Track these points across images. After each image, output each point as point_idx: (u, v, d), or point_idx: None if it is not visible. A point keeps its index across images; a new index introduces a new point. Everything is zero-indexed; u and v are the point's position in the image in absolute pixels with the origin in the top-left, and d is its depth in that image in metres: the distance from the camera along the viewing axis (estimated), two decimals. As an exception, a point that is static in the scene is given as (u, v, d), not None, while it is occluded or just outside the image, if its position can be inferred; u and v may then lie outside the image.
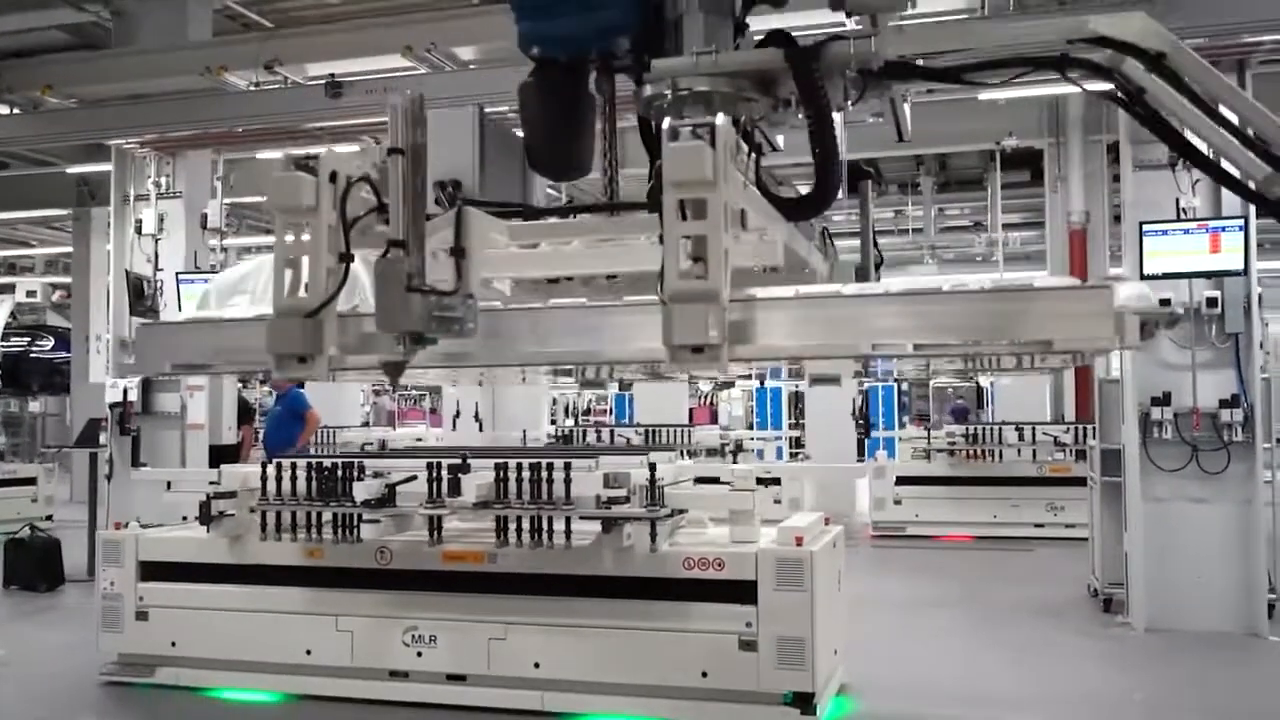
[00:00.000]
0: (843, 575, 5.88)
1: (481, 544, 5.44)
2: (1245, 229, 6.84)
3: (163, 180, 9.09)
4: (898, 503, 12.25)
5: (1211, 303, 7.12)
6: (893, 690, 6.00)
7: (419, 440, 15.02)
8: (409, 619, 5.59)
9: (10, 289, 15.69)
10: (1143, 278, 7.06)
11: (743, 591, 5.15)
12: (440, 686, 5.56)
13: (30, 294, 11.24)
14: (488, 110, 3.79)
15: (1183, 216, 7.07)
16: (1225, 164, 3.69)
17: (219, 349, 4.04)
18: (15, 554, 9.21)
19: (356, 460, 5.54)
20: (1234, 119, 3.52)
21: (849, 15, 3.51)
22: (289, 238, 3.38)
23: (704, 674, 5.18)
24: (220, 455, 9.50)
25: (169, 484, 6.48)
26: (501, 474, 5.16)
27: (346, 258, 3.39)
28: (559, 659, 5.38)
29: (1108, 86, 3.63)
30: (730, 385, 24.91)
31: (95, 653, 6.16)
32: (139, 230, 9.00)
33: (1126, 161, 7.41)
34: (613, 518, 5.04)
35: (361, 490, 5.26)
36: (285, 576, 5.79)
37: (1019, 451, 11.93)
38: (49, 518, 13.88)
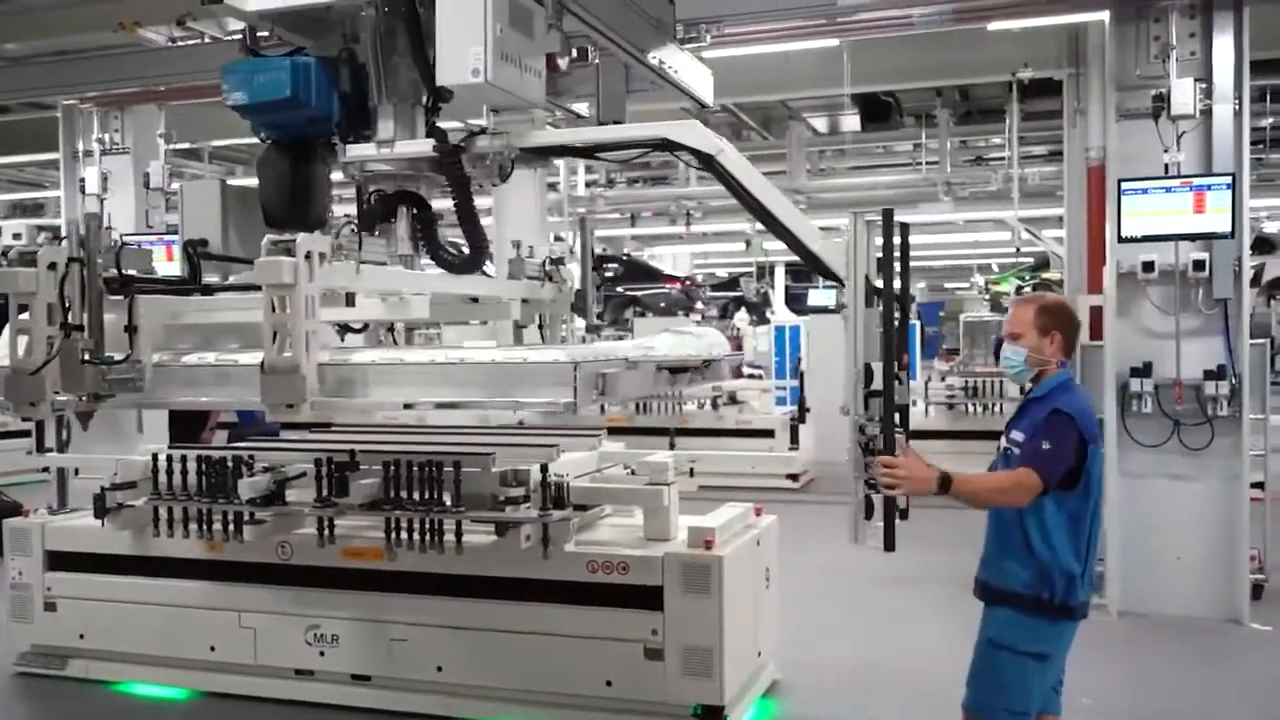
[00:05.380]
0: (772, 572, 5.52)
1: (380, 540, 5.14)
2: (1234, 187, 6.23)
3: (106, 137, 8.77)
4: (894, 457, 11.79)
5: (1198, 265, 6.55)
6: (830, 687, 5.68)
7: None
8: (310, 616, 5.35)
9: (-5, 231, 15.56)
10: (1120, 240, 6.52)
11: (649, 597, 4.82)
12: (345, 687, 5.34)
13: (16, 236, 10.98)
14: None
15: (1166, 173, 6.46)
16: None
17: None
18: (-25, 519, 9.10)
19: (247, 453, 5.23)
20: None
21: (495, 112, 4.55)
22: (22, 316, 4.29)
23: (609, 683, 4.88)
24: (182, 421, 9.28)
25: (76, 470, 6.24)
26: (391, 472, 4.83)
27: (67, 327, 4.23)
28: (462, 663, 5.11)
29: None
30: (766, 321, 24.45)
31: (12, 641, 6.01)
32: (83, 190, 8.72)
33: (1110, 109, 6.80)
34: (504, 521, 4.69)
35: (246, 488, 4.96)
36: (187, 570, 5.55)
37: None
38: (45, 469, 13.94)
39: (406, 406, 4.47)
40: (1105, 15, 7.01)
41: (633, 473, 5.52)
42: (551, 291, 5.51)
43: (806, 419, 9.08)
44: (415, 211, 4.67)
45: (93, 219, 4.33)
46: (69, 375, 4.20)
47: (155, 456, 5.29)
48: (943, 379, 12.37)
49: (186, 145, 12.21)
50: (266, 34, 4.55)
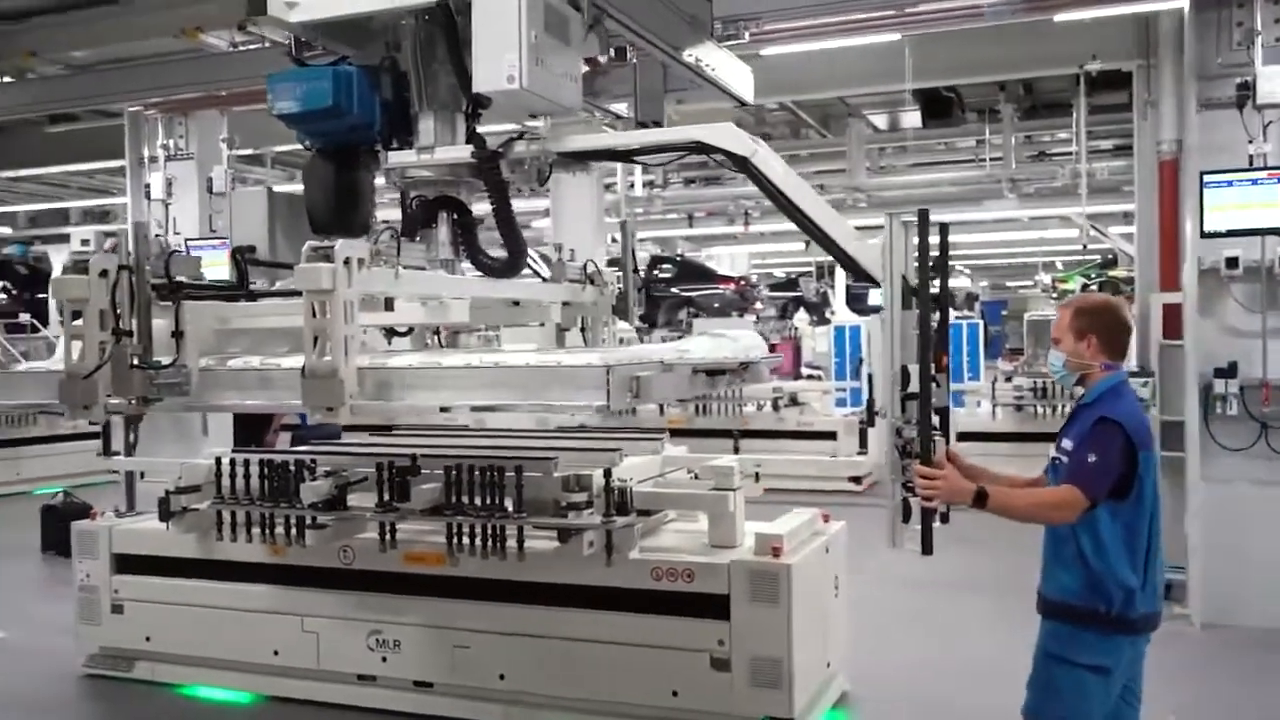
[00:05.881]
0: (841, 580, 5.37)
1: (442, 546, 5.08)
2: (1325, 178, 5.95)
3: (171, 143, 8.85)
4: (959, 460, 11.53)
5: (1287, 261, 6.28)
6: (900, 698, 5.51)
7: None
8: (372, 621, 5.31)
9: (65, 239, 15.93)
10: (1203, 235, 6.26)
11: (715, 606, 4.71)
12: (407, 694, 5.29)
13: (84, 242, 11.20)
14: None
15: (1251, 165, 6.20)
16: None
17: (42, 393, 4.63)
18: (48, 519, 9.27)
19: (309, 457, 5.20)
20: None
21: (532, 117, 4.62)
22: (75, 322, 4.34)
23: (674, 693, 4.78)
24: (247, 424, 9.34)
25: (142, 473, 6.28)
26: (453, 476, 4.77)
27: (118, 332, 4.26)
28: (525, 670, 5.03)
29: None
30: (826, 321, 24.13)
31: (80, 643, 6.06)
32: (148, 195, 8.81)
33: (1189, 99, 6.55)
34: (567, 527, 4.60)
35: (309, 492, 4.93)
36: (250, 573, 5.56)
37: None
38: (113, 472, 14.15)
39: (443, 410, 4.51)
40: (1184, 2, 6.75)
41: (696, 477, 5.42)
42: (593, 294, 5.48)
43: (876, 421, 8.91)
44: (456, 216, 4.69)
45: (141, 227, 4.39)
46: (118, 380, 4.27)
47: (218, 460, 5.29)
48: (1008, 380, 12.03)
49: (249, 151, 12.33)
50: (311, 43, 4.63)
